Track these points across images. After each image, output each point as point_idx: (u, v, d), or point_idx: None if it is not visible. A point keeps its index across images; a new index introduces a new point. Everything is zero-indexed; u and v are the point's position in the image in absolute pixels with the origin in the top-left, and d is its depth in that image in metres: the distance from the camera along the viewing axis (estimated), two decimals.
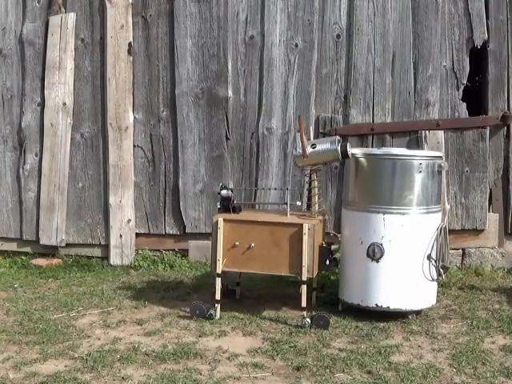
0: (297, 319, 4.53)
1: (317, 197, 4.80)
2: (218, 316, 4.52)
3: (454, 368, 3.79)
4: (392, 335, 4.30)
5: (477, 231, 5.93)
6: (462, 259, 5.95)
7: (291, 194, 5.87)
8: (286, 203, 4.67)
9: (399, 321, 4.52)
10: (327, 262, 4.58)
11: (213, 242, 4.54)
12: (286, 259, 4.44)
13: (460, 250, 5.94)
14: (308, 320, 4.41)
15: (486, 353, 4.00)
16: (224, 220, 4.50)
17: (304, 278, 4.42)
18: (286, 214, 4.65)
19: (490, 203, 5.94)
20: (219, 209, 4.70)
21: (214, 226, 4.52)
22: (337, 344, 4.13)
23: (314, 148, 4.65)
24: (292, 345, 4.08)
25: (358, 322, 4.50)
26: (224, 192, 4.65)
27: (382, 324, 4.45)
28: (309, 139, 4.79)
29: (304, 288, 4.44)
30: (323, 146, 4.67)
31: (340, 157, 4.64)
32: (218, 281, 4.51)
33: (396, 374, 3.69)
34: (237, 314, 4.62)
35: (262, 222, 4.51)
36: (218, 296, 4.53)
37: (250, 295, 5.09)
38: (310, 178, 4.85)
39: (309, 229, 4.40)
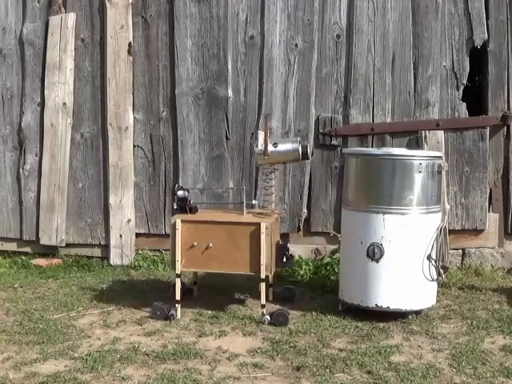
0: (251, 313, 4.62)
1: (273, 196, 4.86)
2: (178, 316, 4.55)
3: (454, 368, 3.79)
4: (392, 335, 4.30)
5: (477, 231, 5.93)
6: (462, 259, 5.95)
7: (292, 194, 5.90)
8: (242, 202, 4.68)
9: (399, 321, 4.52)
10: (284, 260, 4.63)
11: (171, 243, 4.57)
12: (244, 258, 4.47)
13: (460, 250, 5.93)
14: (267, 317, 4.46)
15: (486, 353, 4.00)
16: (182, 221, 4.52)
17: (262, 276, 4.45)
18: (243, 214, 4.67)
19: (490, 203, 5.94)
20: (176, 209, 4.71)
21: (172, 226, 4.55)
22: (337, 344, 4.13)
23: (275, 147, 4.68)
24: (292, 345, 4.08)
25: (357, 322, 4.50)
26: (180, 193, 4.66)
27: (381, 324, 4.45)
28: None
29: (263, 286, 4.47)
30: (285, 145, 4.72)
31: (300, 157, 4.71)
32: (178, 281, 4.55)
33: (396, 374, 3.69)
34: (200, 310, 4.68)
35: (219, 222, 4.54)
36: (178, 296, 4.57)
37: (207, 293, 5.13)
38: (269, 176, 4.88)
39: (266, 228, 4.43)
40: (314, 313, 4.67)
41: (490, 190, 5.93)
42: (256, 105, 5.99)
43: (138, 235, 6.16)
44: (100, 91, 6.14)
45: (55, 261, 6.15)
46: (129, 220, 6.11)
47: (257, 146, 4.71)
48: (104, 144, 6.14)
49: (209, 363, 3.82)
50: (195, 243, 4.50)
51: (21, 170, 6.26)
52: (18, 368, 3.71)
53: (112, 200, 6.10)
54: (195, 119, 6.05)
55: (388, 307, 4.51)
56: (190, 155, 6.07)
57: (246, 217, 4.63)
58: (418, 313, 4.63)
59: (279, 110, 5.96)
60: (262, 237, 4.41)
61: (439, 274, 4.58)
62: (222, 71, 5.99)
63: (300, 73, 5.94)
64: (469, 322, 4.57)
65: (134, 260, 6.09)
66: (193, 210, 4.67)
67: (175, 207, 4.70)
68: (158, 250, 6.17)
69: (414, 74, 5.87)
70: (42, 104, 6.17)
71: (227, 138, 6.03)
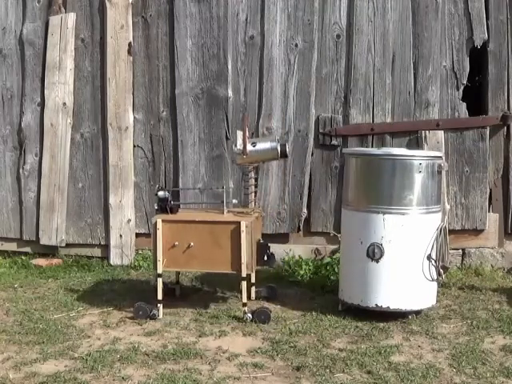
0: (233, 313, 4.63)
1: (253, 194, 4.89)
2: (160, 315, 4.56)
3: (454, 368, 3.79)
4: (392, 335, 4.30)
5: (477, 231, 5.93)
6: (462, 259, 5.95)
7: (291, 194, 5.90)
8: (223, 201, 4.69)
9: (399, 321, 4.52)
10: (265, 258, 4.65)
11: (153, 243, 4.58)
12: (225, 257, 4.48)
13: (460, 250, 5.93)
14: (249, 315, 4.48)
15: (486, 353, 4.00)
16: (163, 221, 4.52)
17: (243, 275, 4.47)
18: (223, 213, 4.68)
19: (490, 203, 5.94)
20: (156, 210, 4.72)
21: (153, 227, 4.55)
22: (337, 344, 4.13)
23: (254, 146, 4.71)
24: (292, 345, 4.08)
25: (357, 322, 4.50)
26: (161, 193, 4.68)
27: (381, 324, 4.45)
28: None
29: (244, 284, 4.49)
30: (263, 145, 4.76)
31: (279, 156, 4.74)
32: (160, 281, 4.56)
33: (396, 374, 3.69)
34: (179, 310, 4.70)
35: (200, 222, 4.55)
36: (159, 296, 4.58)
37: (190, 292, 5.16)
38: (248, 175, 4.89)
39: (246, 226, 4.44)
40: (313, 313, 4.67)
41: (490, 189, 5.93)
42: (256, 105, 5.99)
43: (137, 235, 6.16)
44: (100, 91, 6.15)
45: (55, 261, 6.15)
46: (129, 220, 6.11)
47: (235, 145, 4.76)
48: (104, 144, 6.14)
49: (209, 363, 3.82)
50: (176, 243, 4.51)
51: (21, 170, 6.26)
52: (17, 368, 3.71)
53: (112, 200, 6.10)
54: (195, 119, 6.05)
55: (388, 307, 4.51)
56: (190, 155, 6.07)
57: (227, 216, 4.64)
58: (417, 313, 4.63)
59: (279, 110, 5.96)
60: (243, 235, 4.42)
61: (439, 274, 4.58)
62: (222, 71, 5.99)
63: (300, 73, 5.94)
64: (469, 321, 4.57)
65: (134, 260, 6.08)
66: (173, 210, 4.69)
67: (156, 207, 4.73)
68: None
69: (414, 74, 5.87)
70: (42, 104, 6.17)
71: (227, 138, 6.03)
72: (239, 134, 4.77)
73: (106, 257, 6.16)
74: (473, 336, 4.29)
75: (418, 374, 3.68)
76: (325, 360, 3.85)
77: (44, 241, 6.21)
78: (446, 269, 4.64)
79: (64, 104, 6.12)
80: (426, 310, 4.68)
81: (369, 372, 3.70)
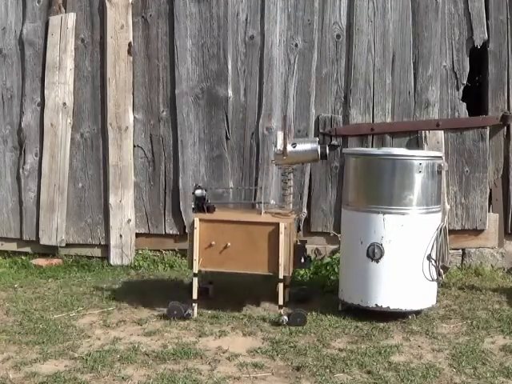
0: (269, 315, 4.60)
1: (291, 196, 4.84)
2: (195, 315, 4.54)
3: (454, 368, 3.79)
4: (392, 335, 4.30)
5: (477, 231, 5.93)
6: (462, 259, 5.95)
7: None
8: (260, 202, 4.68)
9: (399, 321, 4.52)
10: (302, 260, 4.63)
11: (189, 242, 4.56)
12: (262, 258, 4.46)
13: (460, 250, 5.94)
14: (285, 317, 4.44)
15: (486, 353, 4.00)
16: (200, 220, 4.51)
17: (281, 277, 4.45)
18: (261, 213, 4.67)
19: (489, 203, 5.94)
20: (193, 209, 4.70)
21: (191, 225, 4.54)
22: (337, 344, 4.13)
23: (294, 147, 4.68)
24: (292, 345, 4.08)
25: (357, 322, 4.50)
26: (198, 192, 4.66)
27: (381, 324, 4.45)
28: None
29: (281, 286, 4.47)
30: (303, 146, 4.72)
31: (319, 157, 4.71)
32: (195, 280, 4.54)
33: (396, 374, 3.69)
34: (215, 312, 4.65)
35: (238, 222, 4.53)
36: (194, 295, 4.56)
37: (222, 293, 5.09)
38: (287, 177, 4.86)
39: (285, 228, 4.42)
40: (314, 313, 4.66)
41: (490, 189, 5.93)
42: (256, 105, 5.99)
43: (137, 235, 6.16)
44: (100, 91, 6.14)
45: (55, 261, 6.15)
46: (129, 220, 6.10)
47: (275, 146, 4.70)
48: (104, 144, 6.14)
49: (209, 363, 3.82)
50: (213, 242, 4.48)
51: (21, 170, 6.25)
52: (17, 368, 3.71)
53: (112, 200, 6.10)
54: (195, 119, 6.05)
55: (388, 307, 4.51)
56: (190, 155, 6.07)
57: (265, 216, 4.61)
58: (417, 313, 4.63)
59: (279, 110, 5.96)
60: (281, 237, 4.39)
61: (439, 274, 4.58)
62: (222, 71, 5.99)
63: (300, 73, 5.94)
64: (469, 321, 4.57)
65: (134, 260, 6.08)
66: (210, 209, 4.66)
67: (193, 206, 4.70)
68: (158, 250, 6.17)
69: (414, 73, 5.87)
70: (42, 104, 6.17)
71: (227, 138, 6.03)
72: (279, 134, 4.72)
73: (106, 257, 6.16)
74: (473, 336, 4.29)
75: (418, 374, 3.69)
76: (325, 360, 3.85)
77: (44, 241, 6.21)
78: (446, 269, 4.64)
79: (64, 104, 6.12)
80: (425, 310, 4.68)
81: (369, 372, 3.70)
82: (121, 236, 6.11)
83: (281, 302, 4.49)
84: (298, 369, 3.74)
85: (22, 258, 6.23)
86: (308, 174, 5.96)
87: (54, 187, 6.16)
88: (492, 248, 5.94)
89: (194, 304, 4.56)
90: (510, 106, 5.85)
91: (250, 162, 6.02)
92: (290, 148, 4.65)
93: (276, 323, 4.46)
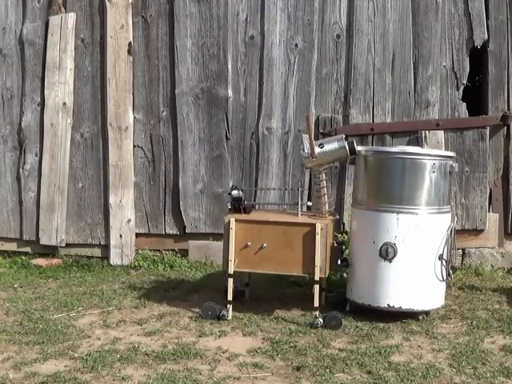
0: (305, 318, 4.55)
1: (326, 197, 4.78)
2: (230, 316, 4.51)
3: (454, 368, 3.78)
4: (392, 335, 4.29)
5: (477, 231, 5.93)
6: (462, 259, 5.95)
7: (291, 194, 5.90)
8: (297, 203, 4.65)
9: (399, 321, 4.51)
10: (338, 262, 4.57)
11: (224, 243, 4.51)
12: (298, 259, 4.42)
13: (460, 250, 5.93)
14: (321, 320, 4.39)
15: (486, 353, 4.00)
16: (236, 220, 4.47)
17: (317, 278, 4.40)
18: (297, 214, 4.65)
19: (489, 203, 5.94)
20: (230, 209, 4.68)
21: (226, 226, 4.48)
22: (337, 344, 4.13)
23: (321, 148, 4.62)
24: (292, 345, 4.08)
25: (357, 321, 4.50)
26: (235, 192, 4.63)
27: (382, 324, 4.44)
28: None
29: (316, 288, 4.42)
30: (331, 145, 4.64)
31: (349, 154, 4.63)
32: (230, 281, 4.49)
33: (396, 374, 3.69)
34: (244, 314, 4.62)
35: (274, 222, 4.49)
36: (229, 297, 4.50)
37: (252, 296, 5.08)
38: (319, 178, 4.79)
39: (321, 229, 4.38)
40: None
41: (490, 190, 5.93)
42: (256, 105, 6.00)
43: (137, 235, 6.16)
44: (100, 91, 6.15)
45: (55, 261, 6.15)
46: (129, 220, 6.11)
47: (303, 149, 4.62)
48: (104, 144, 6.14)
49: (209, 363, 3.81)
50: (249, 243, 4.45)
51: (21, 170, 6.26)
52: (17, 368, 3.71)
53: (112, 200, 6.10)
54: (195, 119, 6.05)
55: (400, 307, 4.48)
56: (190, 155, 6.07)
57: (301, 217, 4.59)
58: (427, 313, 4.62)
59: (279, 110, 5.96)
60: (317, 238, 4.36)
61: (449, 275, 4.56)
62: (222, 71, 5.99)
63: (300, 73, 5.94)
64: (469, 321, 4.57)
65: (134, 260, 6.09)
66: (247, 210, 4.65)
67: (229, 207, 4.68)
68: (158, 250, 6.17)
69: (414, 73, 5.88)
70: (42, 104, 6.17)
71: (227, 138, 6.03)
72: (305, 137, 4.65)
73: (106, 257, 6.16)
74: (473, 336, 4.29)
75: (418, 374, 3.68)
76: (325, 360, 3.85)
77: (44, 241, 6.21)
78: (454, 269, 4.62)
79: (64, 104, 6.12)
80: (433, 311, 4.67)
81: (369, 372, 3.70)
82: (121, 236, 6.11)
83: (316, 303, 4.42)
84: (298, 369, 3.73)
85: (22, 258, 6.23)
86: (308, 174, 5.96)
87: (54, 187, 6.17)
88: (492, 248, 5.94)
89: (228, 305, 4.51)
90: (510, 106, 5.85)
91: (250, 161, 6.02)
92: (317, 149, 4.58)
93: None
